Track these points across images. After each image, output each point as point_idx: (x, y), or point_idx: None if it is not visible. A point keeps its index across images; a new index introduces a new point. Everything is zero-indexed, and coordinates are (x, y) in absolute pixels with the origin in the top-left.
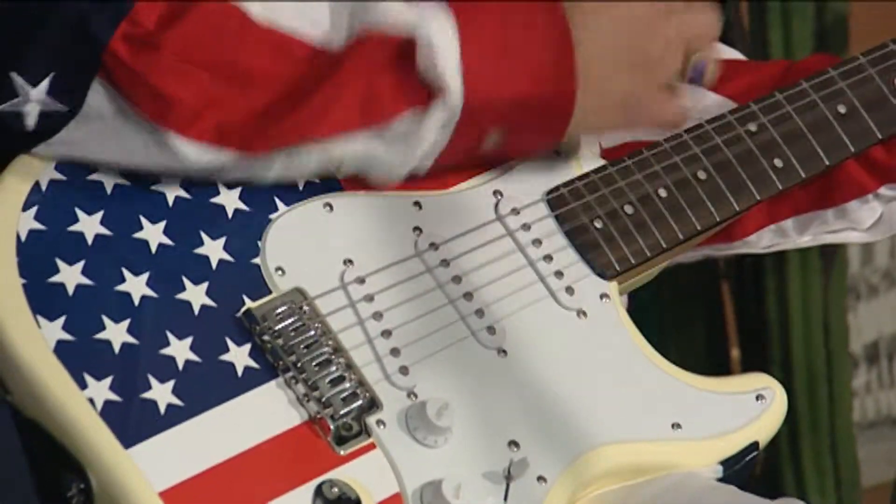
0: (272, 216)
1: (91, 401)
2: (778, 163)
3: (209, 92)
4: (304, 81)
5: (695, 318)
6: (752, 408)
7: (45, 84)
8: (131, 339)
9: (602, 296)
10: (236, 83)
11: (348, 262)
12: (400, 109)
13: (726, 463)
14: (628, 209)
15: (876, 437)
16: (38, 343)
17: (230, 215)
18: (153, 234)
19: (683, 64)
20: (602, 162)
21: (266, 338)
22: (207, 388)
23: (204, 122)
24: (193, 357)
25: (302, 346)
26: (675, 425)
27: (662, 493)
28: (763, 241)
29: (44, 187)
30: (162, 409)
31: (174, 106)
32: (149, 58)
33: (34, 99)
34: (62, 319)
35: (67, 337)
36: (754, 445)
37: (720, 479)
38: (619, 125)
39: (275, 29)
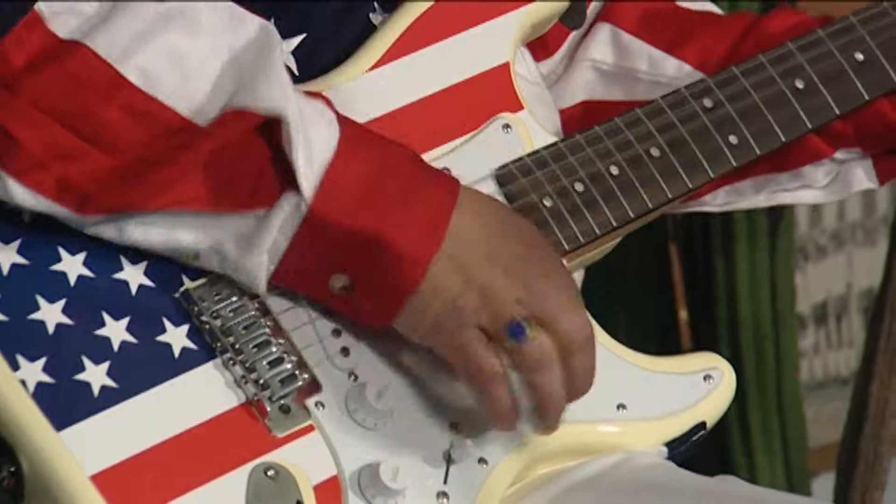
0: None
1: (23, 382)
2: (733, 140)
3: (59, 145)
4: (161, 150)
5: (643, 281)
6: (699, 388)
7: None
8: (66, 320)
9: None
10: (92, 141)
11: None
12: (247, 205)
13: (671, 444)
14: (579, 187)
15: (824, 397)
16: None
17: None
18: None
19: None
20: (553, 139)
21: (204, 318)
22: (143, 369)
23: (45, 174)
24: (129, 338)
25: (240, 328)
26: (621, 406)
27: (603, 472)
28: (718, 200)
29: None
30: (96, 391)
31: (18, 151)
32: (5, 97)
33: None
34: None
35: (0, 317)
36: (701, 426)
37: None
38: (441, 337)
39: (148, 94)
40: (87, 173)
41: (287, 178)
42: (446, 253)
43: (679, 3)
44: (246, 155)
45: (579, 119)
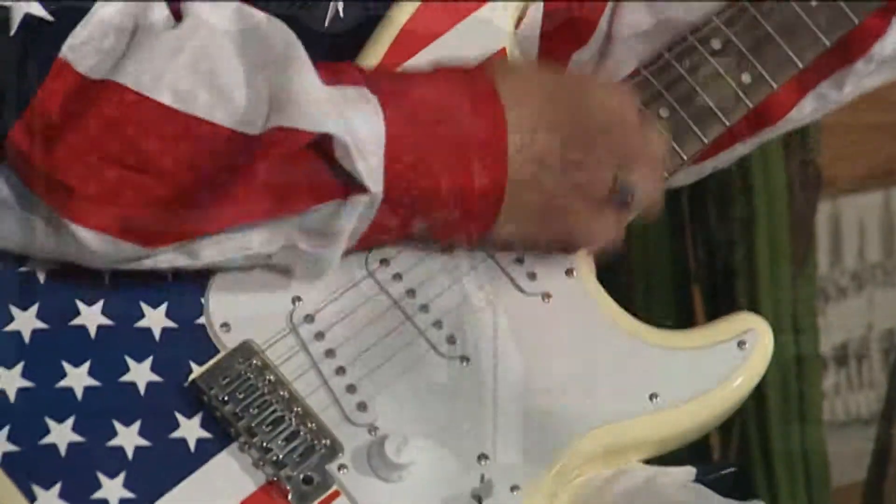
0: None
1: None
2: (746, 78)
3: (113, 184)
4: (217, 171)
5: (666, 322)
6: (733, 357)
7: None
8: (77, 438)
9: (567, 271)
10: (143, 172)
11: (297, 299)
12: (314, 201)
13: (700, 469)
14: None
15: (846, 437)
16: None
17: (170, 278)
18: (91, 317)
19: (612, 184)
20: None
21: (214, 405)
22: (160, 472)
23: (105, 213)
24: (143, 442)
25: (252, 408)
26: (653, 396)
27: (633, 492)
28: (806, 110)
29: None
30: None
31: (74, 198)
32: (50, 150)
33: None
34: (6, 430)
35: (12, 448)
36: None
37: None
38: (546, 232)
39: (188, 114)
40: (146, 206)
41: (330, 173)
42: (516, 178)
43: None
44: (299, 159)
45: None
